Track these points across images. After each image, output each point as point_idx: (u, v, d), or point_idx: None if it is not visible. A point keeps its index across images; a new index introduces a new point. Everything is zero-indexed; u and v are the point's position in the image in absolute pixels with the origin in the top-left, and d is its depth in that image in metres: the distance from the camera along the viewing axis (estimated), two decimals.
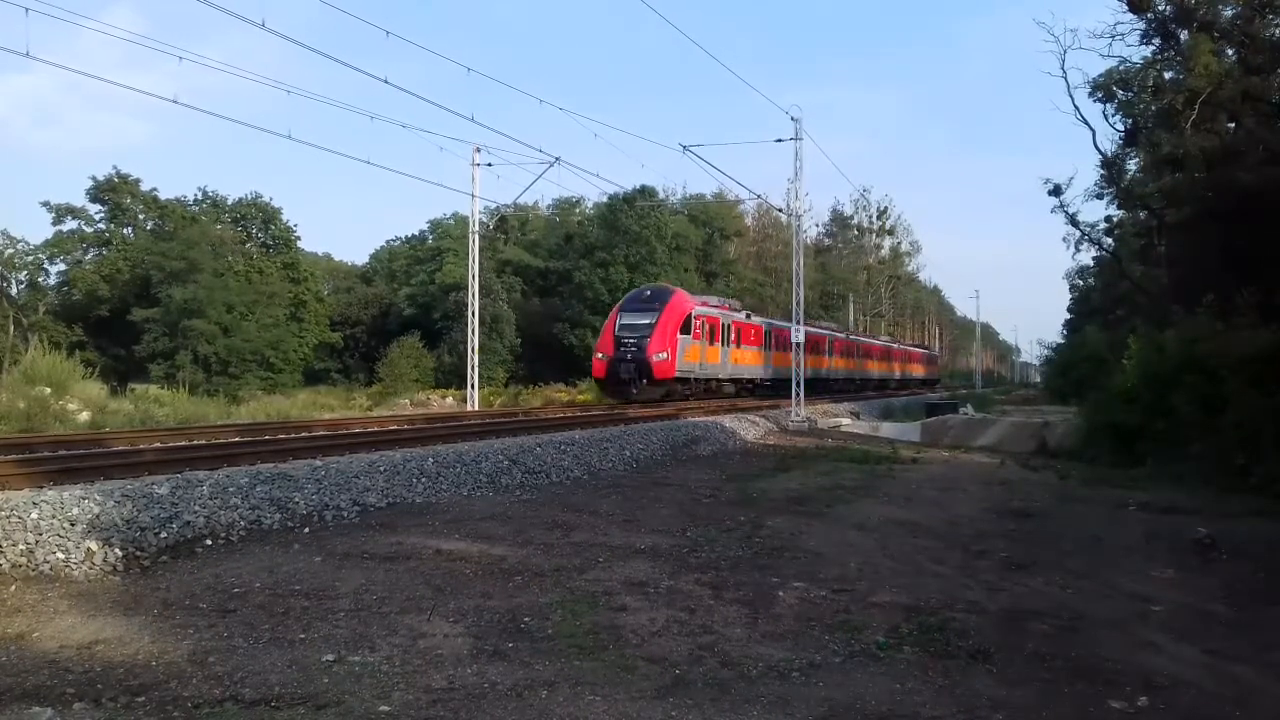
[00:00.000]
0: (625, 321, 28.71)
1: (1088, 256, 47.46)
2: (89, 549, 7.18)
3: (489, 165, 29.24)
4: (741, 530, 9.54)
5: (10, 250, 53.98)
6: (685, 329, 28.41)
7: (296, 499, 9.34)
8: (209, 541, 7.98)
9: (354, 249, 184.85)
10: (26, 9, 14.69)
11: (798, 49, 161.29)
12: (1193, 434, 15.67)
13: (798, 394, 26.74)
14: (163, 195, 56.56)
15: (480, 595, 6.63)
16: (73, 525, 7.38)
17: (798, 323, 28.00)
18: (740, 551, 8.52)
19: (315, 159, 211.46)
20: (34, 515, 7.34)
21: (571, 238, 61.19)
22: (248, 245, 57.95)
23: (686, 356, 28.27)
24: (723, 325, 31.31)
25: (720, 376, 31.90)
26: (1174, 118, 24.86)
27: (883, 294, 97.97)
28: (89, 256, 55.56)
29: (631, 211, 56.06)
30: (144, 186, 56.14)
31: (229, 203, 59.42)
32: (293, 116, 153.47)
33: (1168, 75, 27.33)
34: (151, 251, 51.91)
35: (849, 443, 21.81)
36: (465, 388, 31.54)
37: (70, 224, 55.16)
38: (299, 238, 61.22)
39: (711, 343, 30.27)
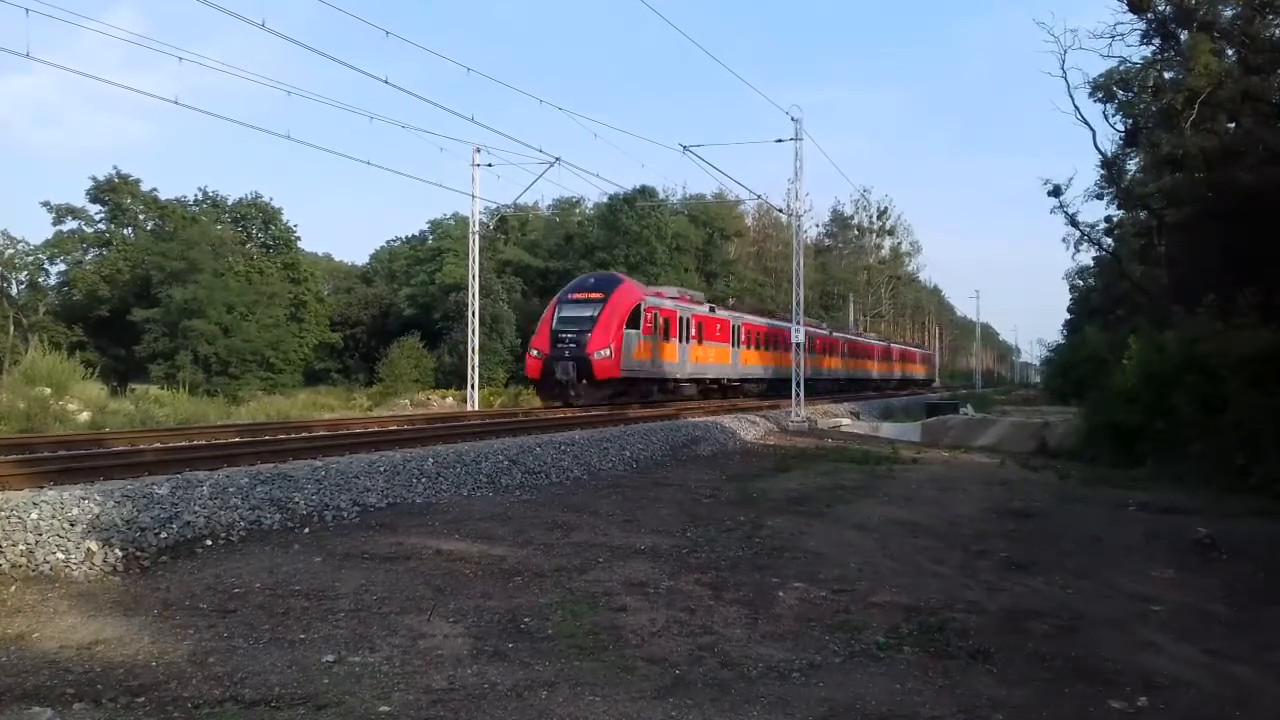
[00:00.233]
0: (564, 314, 25.48)
1: (1088, 256, 47.51)
2: (89, 549, 7.18)
3: (489, 165, 29.25)
4: (741, 530, 9.54)
5: (10, 250, 53.99)
6: (633, 322, 25.26)
7: (296, 499, 9.34)
8: (209, 542, 7.98)
9: (354, 249, 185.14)
10: (26, 9, 14.72)
11: (798, 49, 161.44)
12: (1193, 434, 15.67)
13: (797, 394, 26.74)
14: (163, 195, 56.56)
15: (480, 595, 6.63)
16: (73, 525, 7.37)
17: (797, 323, 28.00)
18: (740, 552, 8.52)
19: (315, 159, 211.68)
20: (34, 515, 7.33)
21: (571, 238, 61.19)
22: (248, 245, 57.95)
23: (635, 354, 25.28)
24: (681, 319, 28.54)
25: (678, 376, 28.87)
26: (1174, 118, 24.86)
27: (883, 294, 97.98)
28: (89, 257, 55.56)
29: (631, 211, 56.09)
30: (144, 187, 56.13)
31: (229, 203, 59.42)
32: (293, 116, 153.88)
33: (1168, 75, 27.34)
34: (151, 252, 51.91)
35: (849, 443, 21.82)
36: (465, 388, 31.51)
37: (70, 224, 55.17)
38: (299, 238, 61.23)
39: (666, 338, 27.32)
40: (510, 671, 5.07)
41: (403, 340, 52.68)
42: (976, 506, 11.99)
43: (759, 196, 38.29)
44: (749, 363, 34.87)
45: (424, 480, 11.16)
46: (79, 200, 55.44)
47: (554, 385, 24.49)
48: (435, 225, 66.18)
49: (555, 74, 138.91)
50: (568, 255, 58.65)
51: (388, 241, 74.92)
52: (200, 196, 59.27)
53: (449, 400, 42.75)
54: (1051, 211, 34.73)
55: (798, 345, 27.77)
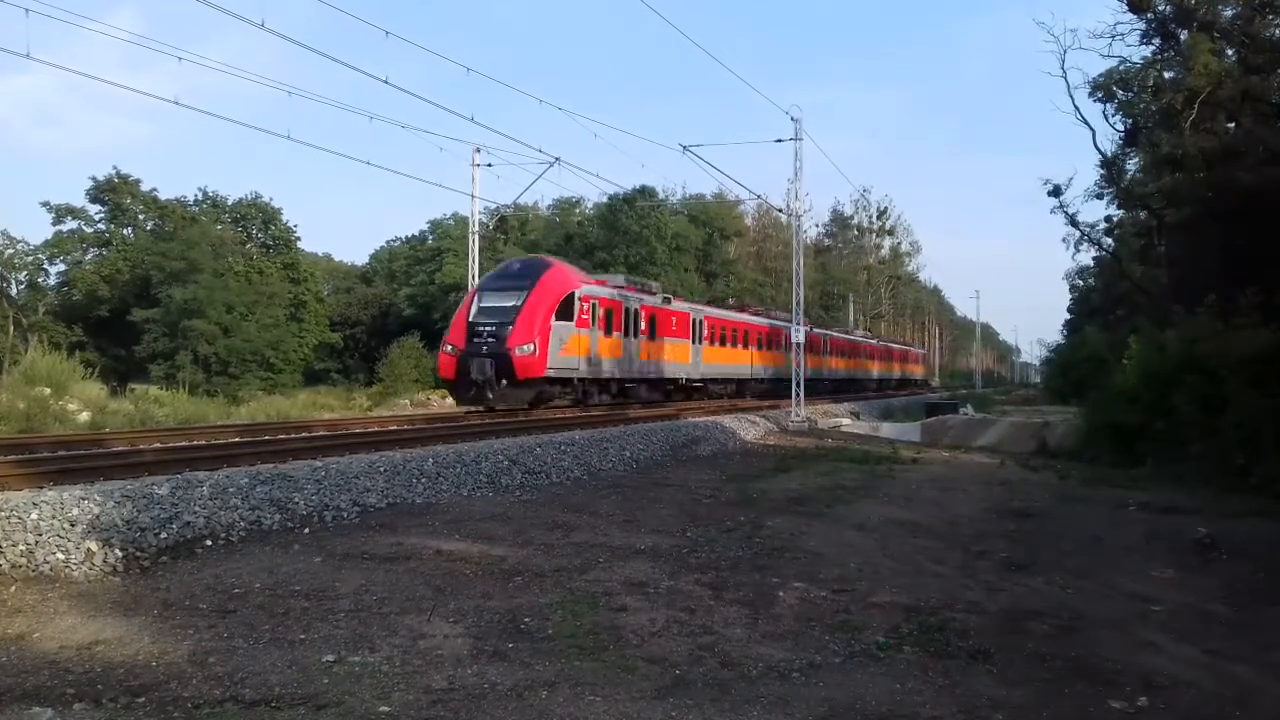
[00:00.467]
0: (484, 304, 22.11)
1: (1088, 257, 47.57)
2: (89, 549, 7.18)
3: (489, 165, 29.26)
4: (741, 530, 9.54)
5: (10, 250, 54.05)
6: (564, 313, 22.15)
7: (296, 499, 9.34)
8: (209, 542, 7.98)
9: (354, 249, 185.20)
10: (26, 9, 14.72)
11: (798, 49, 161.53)
12: (1193, 434, 15.67)
13: (798, 394, 26.74)
14: (163, 195, 56.64)
15: (480, 596, 6.62)
16: (73, 526, 7.37)
17: (797, 323, 28.01)
18: (740, 552, 8.52)
19: (315, 159, 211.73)
20: (34, 515, 7.33)
21: (571, 238, 61.15)
22: (248, 245, 57.99)
23: (566, 349, 22.01)
24: (627, 311, 25.43)
25: (624, 375, 25.60)
26: (1174, 118, 24.87)
27: (883, 294, 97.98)
28: (89, 257, 55.62)
29: (631, 211, 56.08)
30: (144, 187, 56.19)
31: (229, 203, 59.46)
32: (293, 116, 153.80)
33: (1168, 75, 27.36)
34: (151, 252, 51.94)
35: (849, 443, 21.82)
36: None
37: (70, 224, 55.23)
38: (299, 238, 61.31)
39: (608, 333, 24.19)
40: (510, 671, 5.07)
41: (402, 340, 52.65)
42: (976, 506, 11.99)
43: (759, 196, 38.32)
44: (714, 361, 31.92)
45: (424, 480, 11.15)
46: (79, 200, 55.55)
47: (469, 386, 21.01)
48: (435, 225, 66.25)
49: (555, 74, 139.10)
50: (568, 255, 58.64)
51: (388, 241, 75.06)
52: (200, 196, 59.33)
53: (449, 400, 42.72)
54: (1051, 211, 34.81)
55: (798, 345, 27.78)
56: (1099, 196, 35.63)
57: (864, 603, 6.85)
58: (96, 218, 55.95)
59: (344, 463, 11.10)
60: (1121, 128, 31.59)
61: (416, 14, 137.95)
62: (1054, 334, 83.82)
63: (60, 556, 7.03)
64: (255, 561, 7.44)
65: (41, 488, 8.63)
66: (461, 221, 51.66)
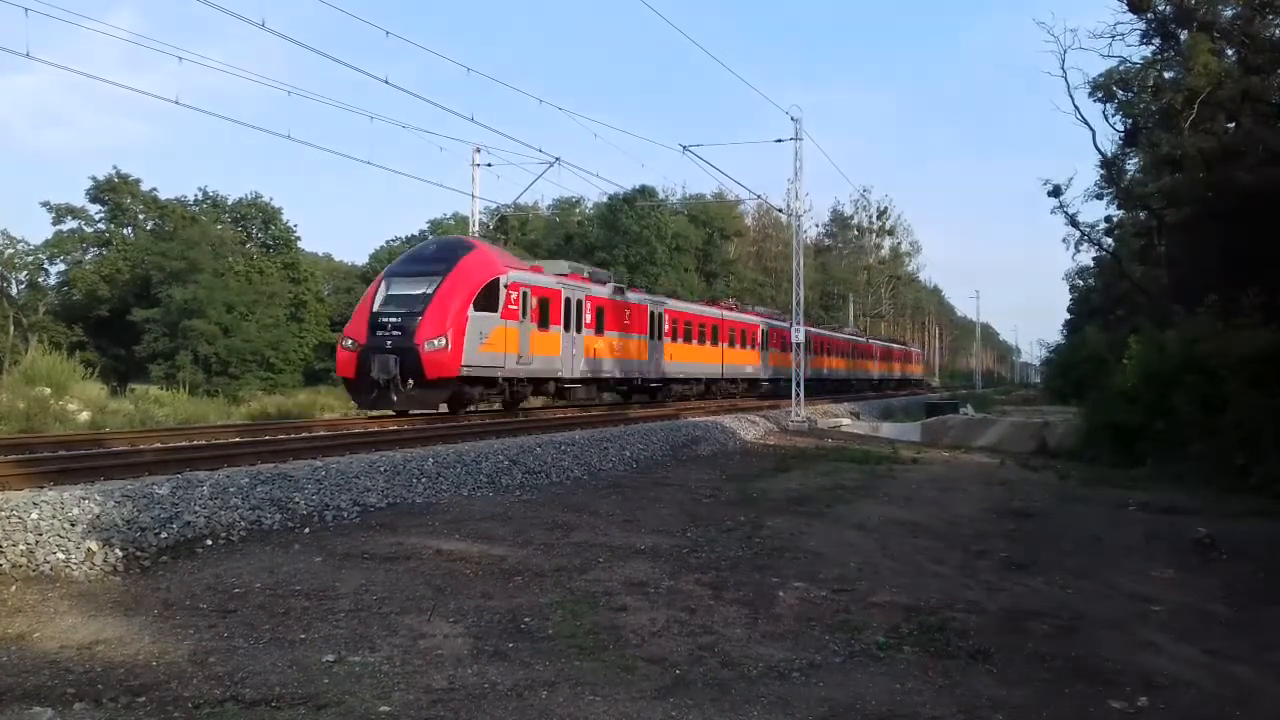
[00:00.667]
0: (391, 292, 19.35)
1: (1088, 257, 47.57)
2: (89, 549, 7.18)
3: (489, 165, 29.22)
4: (741, 530, 9.54)
5: (10, 250, 54.09)
6: (486, 303, 19.39)
7: (297, 499, 9.34)
8: (209, 542, 7.98)
9: (354, 249, 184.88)
10: (26, 9, 14.71)
11: (798, 49, 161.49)
12: (1193, 434, 15.68)
13: (798, 394, 26.75)
14: (163, 195, 56.70)
15: (480, 595, 6.63)
16: (73, 525, 7.37)
17: (798, 323, 28.02)
18: (740, 552, 8.52)
19: (315, 159, 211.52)
20: (34, 515, 7.33)
21: (571, 238, 61.20)
22: (248, 245, 58.03)
23: (488, 344, 19.32)
24: (569, 302, 22.76)
25: (564, 375, 22.73)
26: (1173, 118, 24.88)
27: (883, 294, 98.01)
28: (89, 256, 55.66)
29: (631, 211, 56.12)
30: (144, 187, 56.24)
31: (229, 203, 59.49)
32: (293, 116, 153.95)
33: (1168, 75, 27.38)
34: (151, 251, 51.97)
35: (849, 443, 21.82)
36: None
37: (70, 224, 55.29)
38: (299, 238, 61.37)
39: (544, 326, 21.58)
40: (510, 671, 5.07)
41: None
42: (976, 506, 11.99)
43: (759, 196, 38.34)
44: (679, 359, 29.34)
45: (424, 480, 11.16)
46: (79, 200, 55.61)
47: (370, 387, 18.16)
48: (435, 225, 66.23)
49: (555, 74, 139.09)
50: (567, 255, 58.66)
51: (388, 241, 74.90)
52: (200, 196, 59.37)
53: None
54: (1052, 212, 34.83)
55: (798, 345, 27.79)
56: (1099, 197, 35.71)
57: (864, 603, 6.85)
58: (97, 218, 56.03)
59: (344, 463, 11.11)
60: (1121, 128, 31.65)
61: (416, 14, 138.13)
62: (1054, 334, 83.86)
63: (60, 556, 7.03)
64: (255, 561, 7.44)
65: (42, 488, 8.62)
66: (461, 221, 51.64)
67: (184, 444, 13.17)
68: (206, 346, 49.21)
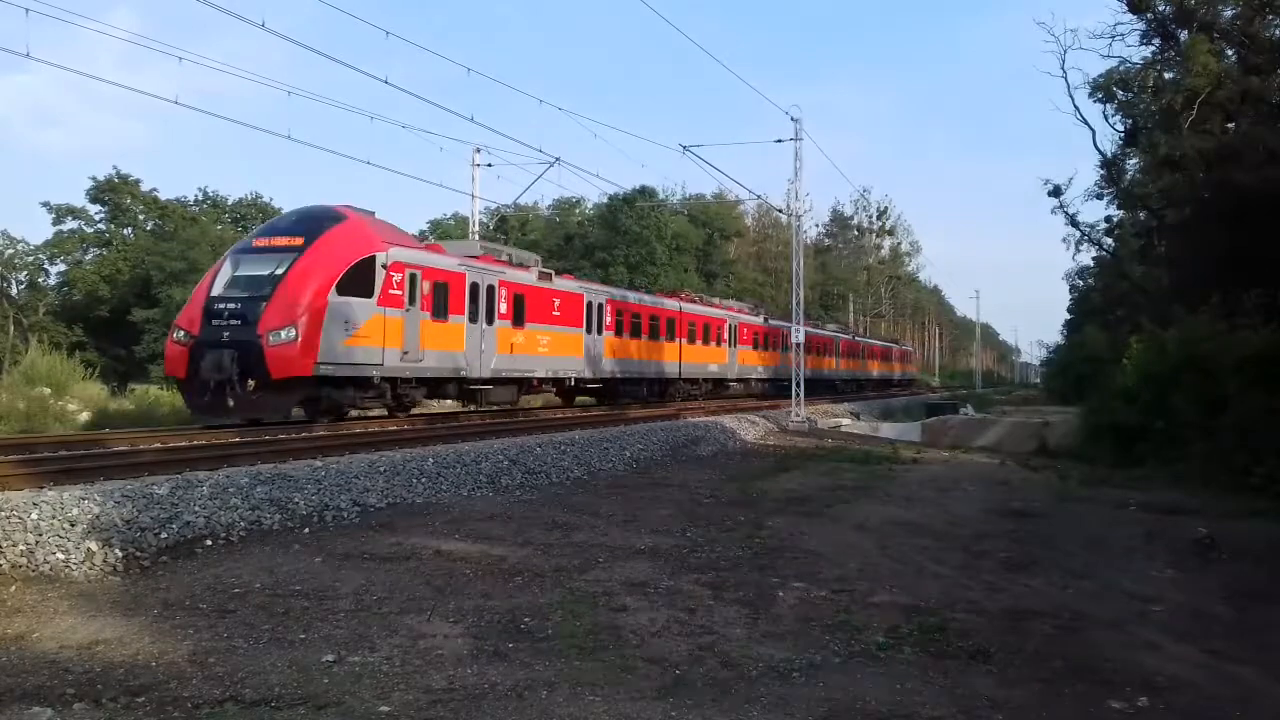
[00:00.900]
0: (238, 272, 16.16)
1: (1088, 257, 47.50)
2: (89, 549, 7.18)
3: (489, 165, 29.25)
4: (742, 530, 9.54)
5: (10, 250, 54.07)
6: (357, 286, 16.13)
7: (296, 499, 9.35)
8: (209, 542, 7.98)
9: None
10: (26, 9, 14.71)
11: (798, 49, 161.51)
12: (1193, 434, 15.67)
13: (798, 394, 26.76)
14: (163, 195, 56.70)
15: (480, 595, 6.63)
16: (73, 526, 7.37)
17: (798, 323, 28.02)
18: (740, 552, 8.52)
19: (315, 159, 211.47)
20: (34, 515, 7.33)
21: (572, 238, 61.23)
22: None
23: (359, 337, 16.11)
24: (476, 288, 19.54)
25: (472, 374, 19.55)
26: (1173, 118, 24.88)
27: (883, 294, 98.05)
28: (89, 257, 55.66)
29: (631, 212, 56.11)
30: (144, 187, 56.24)
31: (229, 203, 59.52)
32: (293, 116, 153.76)
33: (1168, 76, 27.37)
34: (152, 252, 51.95)
35: (849, 443, 21.82)
36: None
37: (70, 224, 55.28)
38: None
39: (440, 316, 18.38)
40: (510, 671, 5.07)
41: None
42: (976, 507, 11.98)
43: (759, 196, 38.14)
44: (626, 356, 26.46)
45: (424, 480, 11.16)
46: (79, 200, 55.58)
47: (202, 388, 14.99)
48: (435, 225, 66.23)
49: (555, 74, 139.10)
50: (568, 255, 58.71)
51: None
52: (200, 196, 59.40)
53: (449, 400, 42.65)
54: (1052, 211, 34.82)
55: (798, 345, 27.80)
56: (1099, 197, 35.65)
57: (864, 603, 6.85)
58: (97, 218, 56.02)
59: (344, 463, 11.11)
60: (1121, 128, 31.65)
61: (416, 14, 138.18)
62: (1054, 334, 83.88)
63: (60, 556, 7.03)
64: (255, 561, 7.44)
65: (41, 488, 8.63)
66: (462, 221, 51.67)
67: (184, 444, 13.16)
68: None
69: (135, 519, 7.76)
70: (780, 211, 49.05)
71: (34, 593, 6.40)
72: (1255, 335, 15.81)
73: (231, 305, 15.49)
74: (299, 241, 16.13)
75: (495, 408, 21.31)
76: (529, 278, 22.12)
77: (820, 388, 42.10)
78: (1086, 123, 32.52)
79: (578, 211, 67.54)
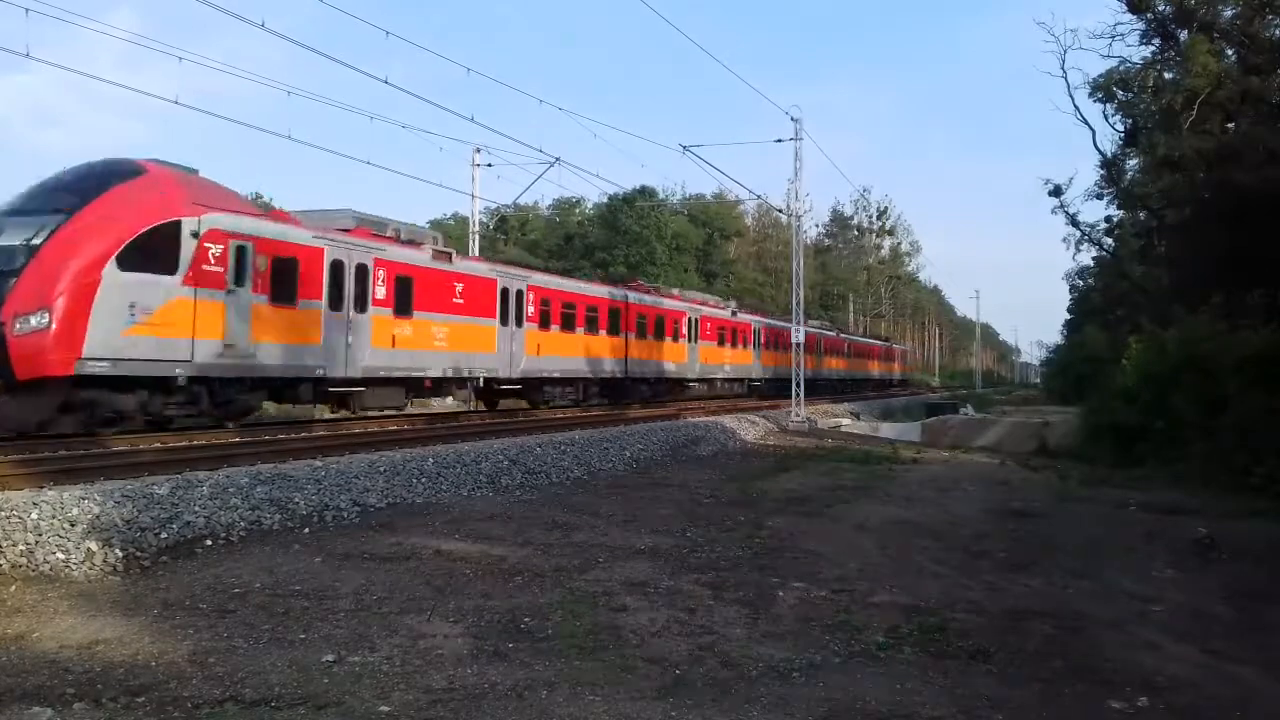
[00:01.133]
0: None
1: (1088, 257, 47.53)
2: (89, 549, 7.18)
3: (489, 165, 29.32)
4: (741, 530, 9.54)
5: None
6: (151, 260, 12.99)
7: (296, 499, 9.35)
8: (209, 542, 7.98)
9: None
10: (26, 9, 14.69)
11: (798, 49, 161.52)
12: (1193, 434, 15.67)
13: (798, 394, 26.76)
14: None
15: (480, 595, 6.63)
16: (73, 525, 7.37)
17: (798, 323, 28.03)
18: (740, 552, 8.52)
19: (315, 159, 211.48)
20: (34, 515, 7.33)
21: (571, 238, 61.30)
22: None
23: (151, 324, 12.99)
24: (339, 267, 16.25)
25: (334, 373, 16.24)
26: (1173, 119, 24.89)
27: (882, 294, 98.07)
28: None
29: (631, 211, 56.16)
30: None
31: None
32: (293, 116, 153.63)
33: (1168, 76, 27.39)
34: None
35: (849, 443, 21.82)
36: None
37: None
38: None
39: (283, 301, 15.07)
40: (510, 671, 5.07)
41: None
42: (976, 507, 11.98)
43: (759, 196, 38.11)
44: (556, 353, 23.19)
45: (424, 480, 11.16)
46: None
47: None
48: (435, 225, 66.13)
49: (555, 74, 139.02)
50: (568, 255, 58.78)
51: None
52: None
53: (449, 400, 42.67)
54: (1052, 211, 34.86)
55: (798, 345, 27.79)
56: (1099, 197, 35.68)
57: (864, 603, 6.85)
58: None
59: (344, 463, 11.12)
60: (1121, 128, 31.66)
61: (416, 14, 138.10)
62: (1054, 334, 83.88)
63: (60, 556, 7.03)
64: (255, 561, 7.44)
65: (41, 488, 8.63)
66: (462, 221, 51.66)
67: (184, 444, 13.16)
68: None
69: (135, 519, 7.76)
70: (780, 211, 49.07)
71: (34, 593, 6.40)
72: (1255, 335, 15.82)
73: None
74: (68, 203, 12.66)
75: (376, 414, 18.22)
76: (419, 257, 18.44)
77: (809, 388, 38.70)
78: (1086, 123, 32.57)
79: (578, 211, 67.60)
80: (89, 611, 6.00)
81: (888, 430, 27.81)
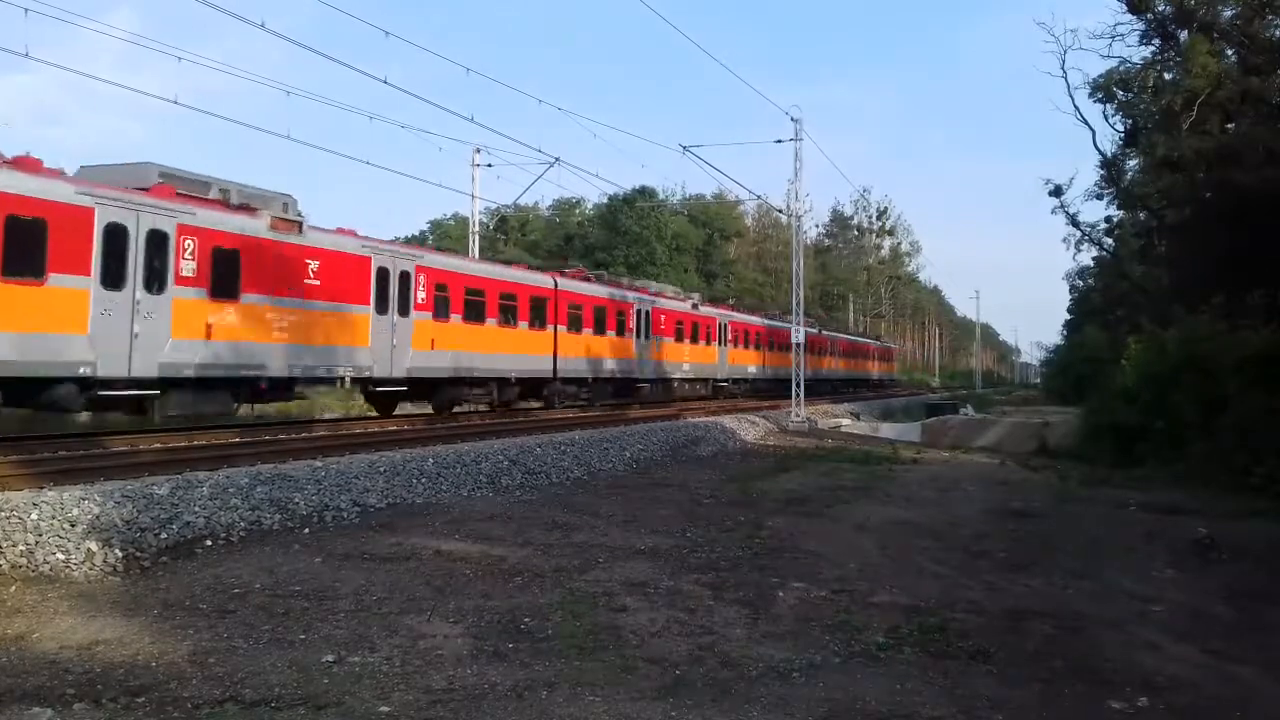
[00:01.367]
0: None
1: (1088, 257, 47.52)
2: (89, 550, 7.18)
3: (489, 166, 29.27)
4: (742, 531, 9.54)
5: None
6: None
7: (296, 499, 9.35)
8: (209, 542, 7.98)
9: None
10: (26, 9, 14.67)
11: (798, 49, 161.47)
12: (1193, 434, 15.68)
13: (798, 394, 26.75)
14: None
15: (480, 596, 6.63)
16: (73, 526, 7.37)
17: (798, 323, 28.02)
18: (740, 552, 8.52)
19: (314, 159, 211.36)
20: (34, 516, 7.33)
21: (571, 238, 61.31)
22: None
23: None
24: (116, 235, 12.83)
25: (107, 371, 12.63)
26: (1173, 119, 24.90)
27: (882, 294, 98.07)
28: None
29: (631, 212, 56.18)
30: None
31: None
32: (293, 116, 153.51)
33: (1168, 76, 27.39)
34: None
35: (849, 443, 21.82)
36: None
37: None
38: None
39: (16, 275, 11.71)
40: (510, 671, 5.07)
41: None
42: (977, 507, 11.98)
43: (759, 197, 38.03)
44: (449, 346, 19.18)
45: (424, 480, 11.16)
46: None
47: None
48: (435, 225, 66.35)
49: (555, 74, 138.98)
50: (568, 256, 58.74)
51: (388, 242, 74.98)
52: None
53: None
54: (1053, 211, 34.85)
55: (797, 345, 27.79)
56: (1099, 197, 35.67)
57: (864, 603, 6.85)
58: None
59: (344, 463, 11.12)
60: (1121, 128, 31.65)
61: (416, 14, 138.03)
62: (1054, 334, 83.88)
63: (60, 556, 7.03)
64: (255, 561, 7.44)
65: (41, 488, 8.63)
66: (462, 222, 51.71)
67: (184, 444, 13.17)
68: None
69: (135, 519, 7.76)
70: (780, 211, 49.06)
71: (34, 593, 6.40)
72: (1255, 335, 15.82)
73: None
74: None
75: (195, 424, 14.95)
76: (250, 225, 14.67)
77: (780, 390, 35.25)
78: (1086, 123, 32.52)
79: (578, 212, 67.62)
80: (89, 612, 6.00)
81: (888, 430, 27.81)
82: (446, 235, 62.01)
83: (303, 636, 5.57)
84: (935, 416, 30.22)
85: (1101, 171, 33.21)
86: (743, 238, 77.65)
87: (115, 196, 12.98)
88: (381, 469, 10.99)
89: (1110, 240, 38.56)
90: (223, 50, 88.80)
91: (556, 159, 26.90)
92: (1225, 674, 5.56)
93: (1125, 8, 25.28)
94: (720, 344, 33.50)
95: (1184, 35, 24.90)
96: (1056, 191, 33.43)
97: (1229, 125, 23.99)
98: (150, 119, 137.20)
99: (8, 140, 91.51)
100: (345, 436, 15.07)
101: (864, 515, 10.84)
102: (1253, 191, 16.45)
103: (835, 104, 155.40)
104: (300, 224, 15.87)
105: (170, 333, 13.56)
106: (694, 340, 31.39)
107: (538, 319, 22.86)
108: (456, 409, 21.42)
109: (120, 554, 7.28)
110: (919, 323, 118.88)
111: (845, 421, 30.17)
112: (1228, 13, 23.73)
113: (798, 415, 26.00)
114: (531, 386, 23.34)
